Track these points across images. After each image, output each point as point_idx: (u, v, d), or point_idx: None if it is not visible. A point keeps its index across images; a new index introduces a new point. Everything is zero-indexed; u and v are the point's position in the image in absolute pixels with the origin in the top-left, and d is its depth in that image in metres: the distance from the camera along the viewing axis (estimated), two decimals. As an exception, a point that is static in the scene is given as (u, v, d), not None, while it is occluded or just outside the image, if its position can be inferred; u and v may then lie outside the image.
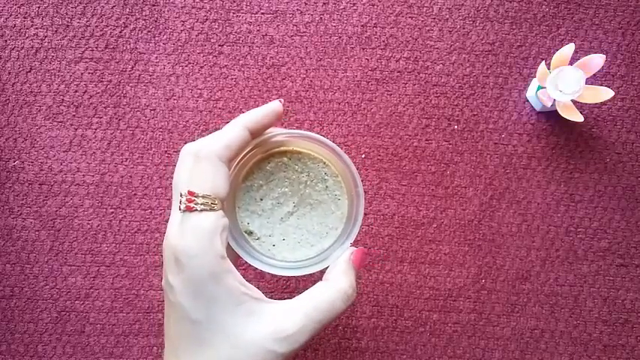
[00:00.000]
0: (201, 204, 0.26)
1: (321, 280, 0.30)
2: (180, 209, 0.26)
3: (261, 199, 0.32)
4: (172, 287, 0.26)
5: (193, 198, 0.26)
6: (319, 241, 0.32)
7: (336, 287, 0.28)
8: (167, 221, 0.43)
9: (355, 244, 0.33)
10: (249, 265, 0.30)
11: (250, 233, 0.32)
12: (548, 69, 0.41)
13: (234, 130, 0.28)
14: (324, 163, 0.33)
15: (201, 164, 0.27)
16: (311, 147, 0.32)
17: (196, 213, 0.26)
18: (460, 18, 0.44)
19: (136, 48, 0.44)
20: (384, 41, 0.44)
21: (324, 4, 0.44)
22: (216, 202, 0.27)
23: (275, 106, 0.30)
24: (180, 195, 0.26)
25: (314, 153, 0.33)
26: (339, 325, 0.43)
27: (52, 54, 0.44)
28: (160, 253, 0.43)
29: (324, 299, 0.27)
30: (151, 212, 0.43)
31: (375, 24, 0.44)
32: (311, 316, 0.26)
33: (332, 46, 0.44)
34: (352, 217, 0.31)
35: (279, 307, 0.27)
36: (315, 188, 0.33)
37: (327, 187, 0.33)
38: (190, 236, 0.26)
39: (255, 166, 0.32)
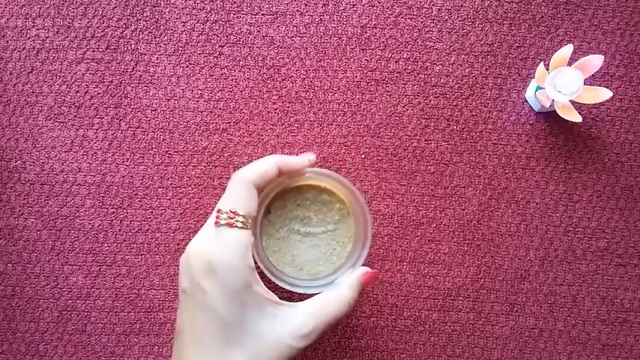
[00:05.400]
0: (241, 222, 0.31)
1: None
2: (219, 224, 0.31)
3: (298, 205, 0.37)
4: (205, 292, 0.30)
5: (234, 216, 0.31)
6: (291, 270, 0.37)
7: (343, 296, 0.33)
8: (168, 221, 0.43)
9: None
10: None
11: (269, 212, 0.37)
12: (547, 70, 0.41)
13: (268, 165, 0.33)
14: (352, 234, 0.37)
15: (242, 189, 0.32)
16: (355, 211, 0.37)
17: (236, 229, 0.31)
18: (459, 19, 0.44)
19: (137, 49, 0.44)
20: (383, 42, 0.44)
21: (324, 5, 0.44)
22: (249, 222, 0.32)
23: (311, 157, 0.36)
24: (222, 212, 0.31)
25: (356, 219, 0.37)
26: (339, 325, 0.43)
27: (54, 55, 0.44)
28: (161, 253, 0.43)
29: (334, 305, 0.32)
30: (151, 212, 0.43)
31: (374, 25, 0.44)
32: (323, 319, 0.32)
33: (332, 47, 0.44)
34: (324, 285, 0.36)
35: (296, 310, 0.32)
36: (329, 242, 0.37)
37: (335, 249, 0.37)
38: (230, 249, 0.30)
39: (314, 187, 0.37)
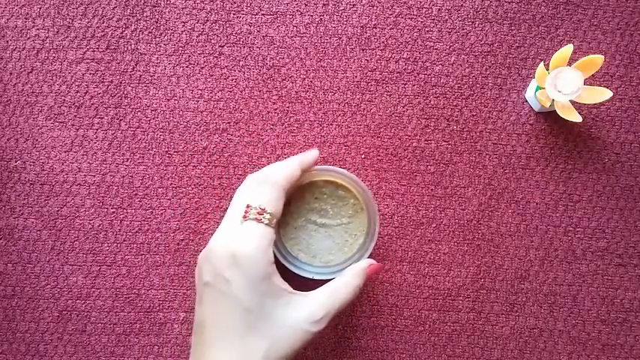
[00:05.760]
0: (267, 219, 0.33)
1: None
2: (247, 218, 0.33)
3: (316, 198, 0.39)
4: (228, 281, 0.32)
5: (263, 212, 0.33)
6: (304, 257, 0.39)
7: (350, 284, 0.36)
8: (168, 221, 0.43)
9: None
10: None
11: (289, 203, 0.39)
12: (547, 70, 0.41)
13: (294, 167, 0.36)
14: (364, 228, 0.39)
15: (273, 190, 0.34)
16: (365, 206, 0.39)
17: (262, 225, 0.33)
18: (459, 19, 0.44)
19: (137, 49, 0.44)
20: (383, 42, 0.44)
21: (324, 5, 0.44)
22: (274, 220, 0.34)
23: (317, 153, 0.39)
24: (251, 207, 0.33)
25: (367, 213, 0.39)
26: (339, 324, 0.43)
27: (54, 55, 0.44)
28: (161, 253, 0.43)
29: (343, 292, 0.35)
30: (151, 212, 0.43)
31: (374, 25, 0.44)
32: (334, 305, 0.34)
33: (332, 47, 0.44)
34: (334, 272, 0.38)
35: (309, 298, 0.34)
36: (342, 233, 0.39)
37: (347, 240, 0.39)
38: (255, 244, 0.33)
39: (331, 183, 0.39)
